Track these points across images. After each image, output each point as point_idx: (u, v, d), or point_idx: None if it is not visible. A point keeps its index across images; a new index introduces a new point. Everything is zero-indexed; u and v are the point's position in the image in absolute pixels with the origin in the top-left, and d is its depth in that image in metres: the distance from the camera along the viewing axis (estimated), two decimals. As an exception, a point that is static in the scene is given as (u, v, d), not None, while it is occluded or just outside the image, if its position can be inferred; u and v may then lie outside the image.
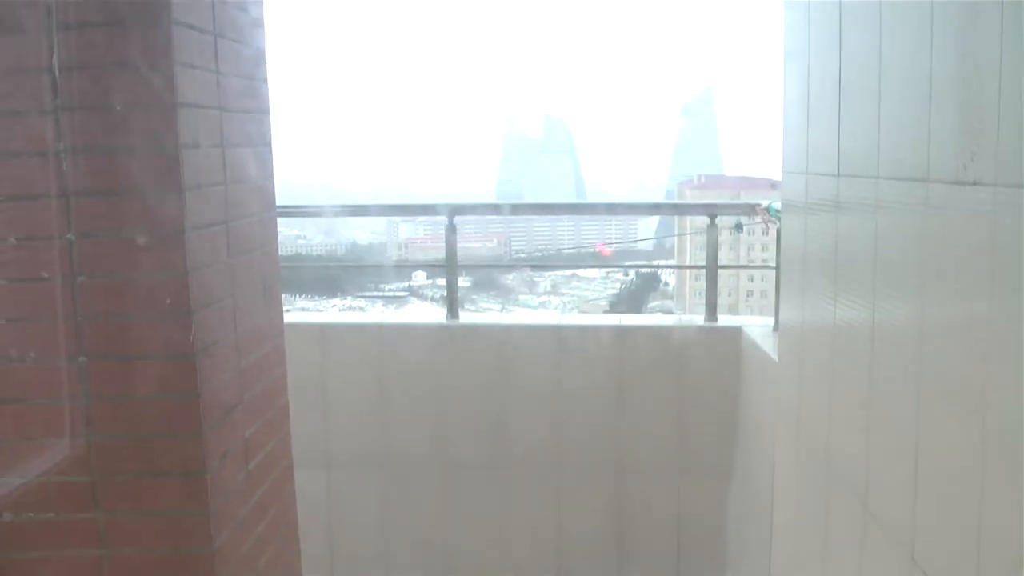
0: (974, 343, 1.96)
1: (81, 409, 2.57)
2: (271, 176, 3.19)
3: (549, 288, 16.97)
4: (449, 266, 5.51)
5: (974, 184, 1.89)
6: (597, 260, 19.20)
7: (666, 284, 17.07)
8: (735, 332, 5.26)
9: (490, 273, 14.81)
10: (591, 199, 22.63)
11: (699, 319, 5.47)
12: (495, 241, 16.69)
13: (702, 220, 5.59)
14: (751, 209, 5.30)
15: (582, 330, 5.63)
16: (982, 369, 1.93)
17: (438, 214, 5.64)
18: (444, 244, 5.60)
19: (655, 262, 19.06)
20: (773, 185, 5.19)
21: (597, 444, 5.49)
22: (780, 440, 3.77)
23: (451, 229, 5.47)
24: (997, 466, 1.88)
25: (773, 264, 4.97)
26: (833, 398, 3.00)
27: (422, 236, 16.02)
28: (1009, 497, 1.81)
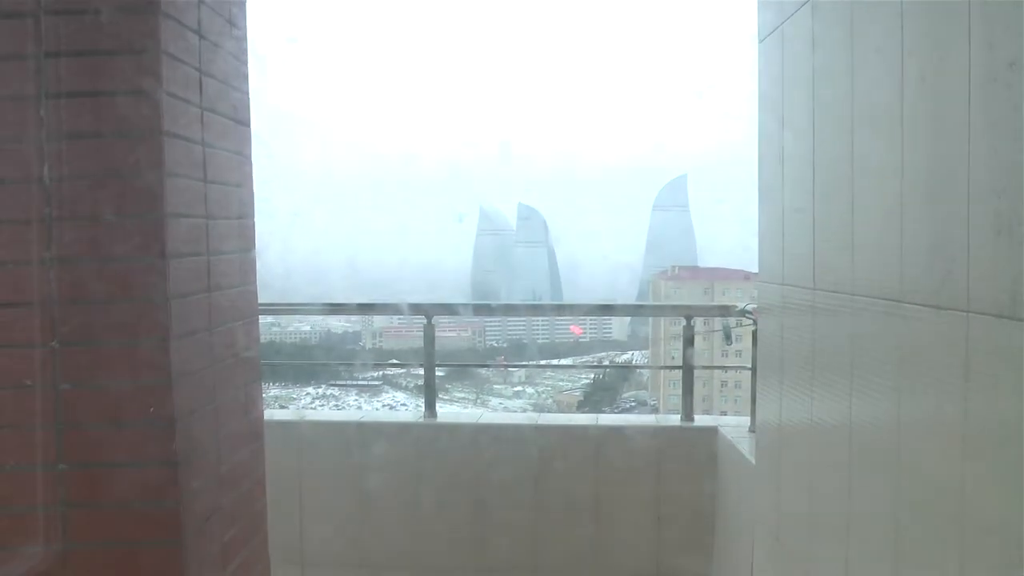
0: (950, 447, 1.99)
1: (58, 517, 2.56)
2: (254, 281, 3.22)
3: (524, 378, 16.95)
4: (427, 365, 5.53)
5: (948, 309, 1.94)
6: (571, 347, 19.21)
7: (640, 373, 17.07)
8: (711, 433, 5.27)
9: (465, 371, 14.87)
10: (565, 290, 22.65)
11: (675, 419, 5.48)
12: (470, 332, 16.71)
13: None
14: (726, 311, 5.36)
15: (559, 430, 5.62)
16: (955, 476, 1.96)
17: (416, 315, 5.66)
18: (417, 333, 5.61)
19: (629, 353, 19.09)
20: (747, 276, 5.23)
21: (575, 546, 5.45)
22: (759, 545, 3.77)
23: (429, 329, 5.49)
24: (975, 572, 1.90)
25: (748, 360, 4.99)
26: (812, 503, 3.01)
27: (396, 325, 16.03)
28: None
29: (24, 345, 2.51)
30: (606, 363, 16.64)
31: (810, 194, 2.90)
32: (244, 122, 3.15)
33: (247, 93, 3.15)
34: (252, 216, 3.20)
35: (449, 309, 5.99)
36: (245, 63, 3.13)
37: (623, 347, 18.96)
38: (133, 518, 2.58)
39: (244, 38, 3.12)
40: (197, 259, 2.74)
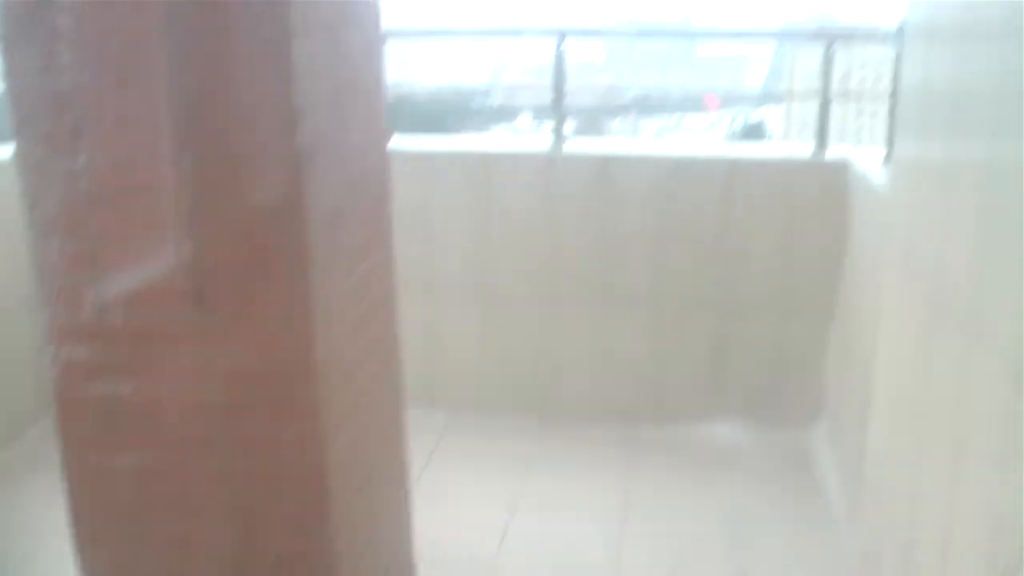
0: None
1: (186, 212, 2.62)
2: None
3: (654, 134, 16.71)
4: (556, 92, 5.43)
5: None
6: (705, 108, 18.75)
7: (771, 135, 16.69)
8: (843, 164, 5.14)
9: (595, 119, 14.58)
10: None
11: (807, 151, 5.34)
12: (599, 89, 16.39)
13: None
14: (872, 33, 5.11)
15: (688, 162, 5.53)
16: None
17: (547, 37, 5.52)
18: (547, 86, 5.52)
19: (761, 109, 18.57)
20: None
21: (699, 280, 5.46)
22: (887, 274, 3.70)
23: (560, 54, 5.36)
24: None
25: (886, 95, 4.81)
26: (943, 233, 2.91)
27: (526, 80, 15.80)
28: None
29: (142, 36, 2.52)
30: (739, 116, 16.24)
31: None
32: None
33: None
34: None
35: (581, 31, 5.79)
36: None
37: (757, 102, 18.43)
38: (257, 214, 2.62)
39: None
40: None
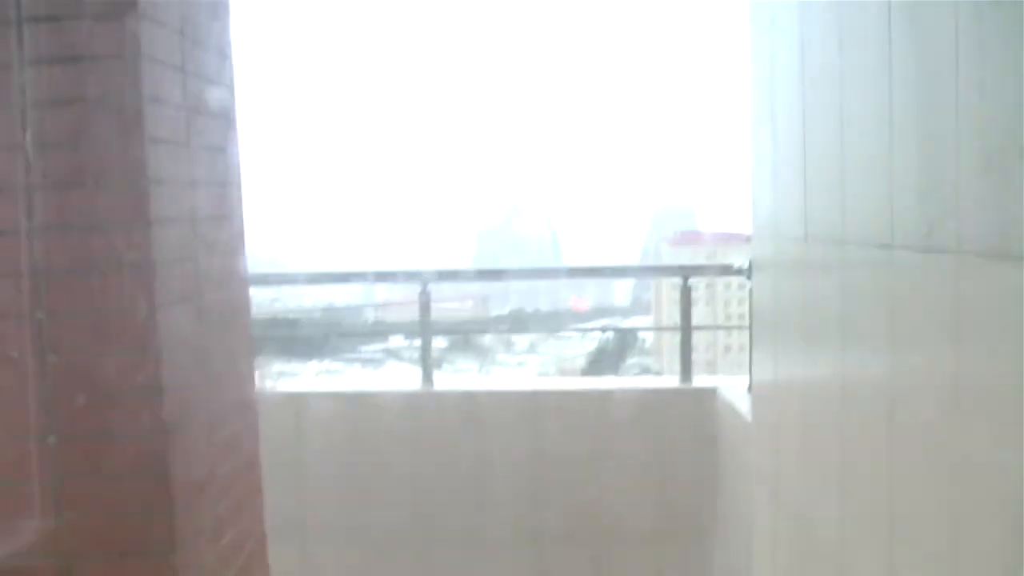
0: (940, 402, 1.97)
1: (50, 490, 2.54)
2: (243, 249, 3.20)
3: (527, 348, 16.83)
4: (423, 333, 5.53)
5: (937, 252, 1.91)
6: (573, 319, 19.06)
7: (643, 341, 16.96)
8: (710, 393, 5.27)
9: (467, 336, 14.72)
10: (567, 257, 22.51)
11: (674, 381, 5.48)
12: (471, 303, 16.56)
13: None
14: (725, 270, 5.34)
15: (557, 395, 5.63)
16: (949, 427, 1.93)
17: (412, 281, 5.67)
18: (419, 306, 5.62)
19: (631, 319, 18.97)
20: (748, 239, 5.19)
21: (575, 510, 5.46)
22: (757, 503, 3.76)
23: (425, 297, 5.49)
24: (970, 525, 1.88)
25: (747, 322, 4.98)
26: (807, 460, 3.00)
27: (399, 298, 15.91)
28: (983, 557, 1.81)
29: (9, 316, 2.50)
30: (609, 328, 16.49)
31: (800, 144, 2.87)
32: (230, 90, 3.12)
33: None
34: (239, 183, 3.17)
35: (444, 276, 5.98)
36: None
37: (626, 313, 18.84)
38: (124, 489, 2.56)
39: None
40: (182, 226, 2.71)
